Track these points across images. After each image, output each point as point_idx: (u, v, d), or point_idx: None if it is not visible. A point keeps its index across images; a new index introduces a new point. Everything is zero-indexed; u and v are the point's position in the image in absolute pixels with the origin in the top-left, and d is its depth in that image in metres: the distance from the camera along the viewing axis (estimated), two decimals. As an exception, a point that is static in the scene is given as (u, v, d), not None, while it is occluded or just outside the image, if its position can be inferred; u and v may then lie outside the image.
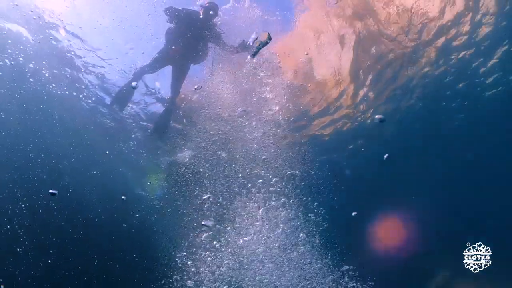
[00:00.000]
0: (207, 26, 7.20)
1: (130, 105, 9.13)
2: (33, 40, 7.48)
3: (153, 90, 9.03)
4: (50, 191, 9.19)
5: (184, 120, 9.10)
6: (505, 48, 7.20)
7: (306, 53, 8.28)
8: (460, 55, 7.67)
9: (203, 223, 8.96)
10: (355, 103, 8.89)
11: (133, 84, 7.71)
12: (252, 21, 7.63)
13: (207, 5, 7.20)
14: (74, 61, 8.00)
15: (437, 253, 11.13)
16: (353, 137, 9.74)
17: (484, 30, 7.11)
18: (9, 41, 7.36)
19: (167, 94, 8.70)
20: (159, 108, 9.44)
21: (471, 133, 8.93)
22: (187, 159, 9.24)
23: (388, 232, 11.46)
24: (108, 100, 9.17)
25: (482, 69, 7.68)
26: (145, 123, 9.75)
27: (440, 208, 10.77)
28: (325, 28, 7.85)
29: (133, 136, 9.96)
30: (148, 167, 10.62)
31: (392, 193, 10.53)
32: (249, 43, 6.62)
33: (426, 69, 7.89)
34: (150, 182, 10.89)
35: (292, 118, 8.87)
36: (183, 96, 8.64)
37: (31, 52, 7.65)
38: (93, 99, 8.97)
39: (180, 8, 7.12)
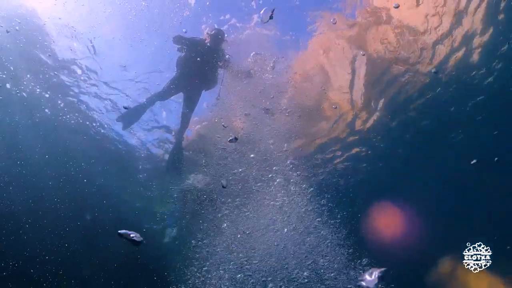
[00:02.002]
0: (215, 52, 7.52)
1: (138, 134, 9.30)
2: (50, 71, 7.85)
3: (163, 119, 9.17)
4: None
5: (189, 152, 9.17)
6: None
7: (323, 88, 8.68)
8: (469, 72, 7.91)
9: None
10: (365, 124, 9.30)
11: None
12: (259, 38, 7.96)
13: (213, 32, 7.60)
14: (88, 91, 8.36)
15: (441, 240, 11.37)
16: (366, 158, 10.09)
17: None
18: (28, 75, 7.78)
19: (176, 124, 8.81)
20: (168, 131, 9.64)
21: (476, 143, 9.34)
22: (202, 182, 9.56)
23: (394, 225, 11.79)
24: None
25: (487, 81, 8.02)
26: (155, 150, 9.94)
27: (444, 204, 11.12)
28: (335, 51, 8.17)
29: (140, 167, 10.05)
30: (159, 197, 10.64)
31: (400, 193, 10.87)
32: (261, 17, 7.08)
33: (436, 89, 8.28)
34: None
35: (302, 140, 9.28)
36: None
37: (46, 85, 8.05)
38: (105, 126, 9.22)
39: (188, 37, 7.46)
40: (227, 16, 8.14)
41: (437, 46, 7.67)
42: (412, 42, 7.59)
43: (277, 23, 7.88)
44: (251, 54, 7.90)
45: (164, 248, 11.54)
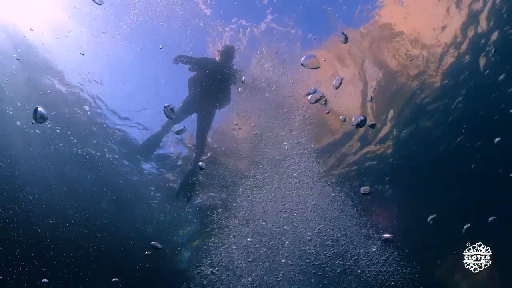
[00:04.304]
0: (227, 69, 7.37)
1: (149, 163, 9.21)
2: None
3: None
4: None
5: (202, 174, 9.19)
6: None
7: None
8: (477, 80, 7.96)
9: None
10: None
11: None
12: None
13: (223, 49, 7.41)
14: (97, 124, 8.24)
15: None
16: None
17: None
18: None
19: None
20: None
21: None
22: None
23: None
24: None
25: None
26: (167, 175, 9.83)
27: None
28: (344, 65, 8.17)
29: (152, 193, 9.97)
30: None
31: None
32: None
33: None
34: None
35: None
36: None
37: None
38: (116, 156, 9.05)
39: (195, 57, 7.23)
40: (234, 20, 7.78)
41: (445, 55, 7.75)
42: (421, 52, 7.66)
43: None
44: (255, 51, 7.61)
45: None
